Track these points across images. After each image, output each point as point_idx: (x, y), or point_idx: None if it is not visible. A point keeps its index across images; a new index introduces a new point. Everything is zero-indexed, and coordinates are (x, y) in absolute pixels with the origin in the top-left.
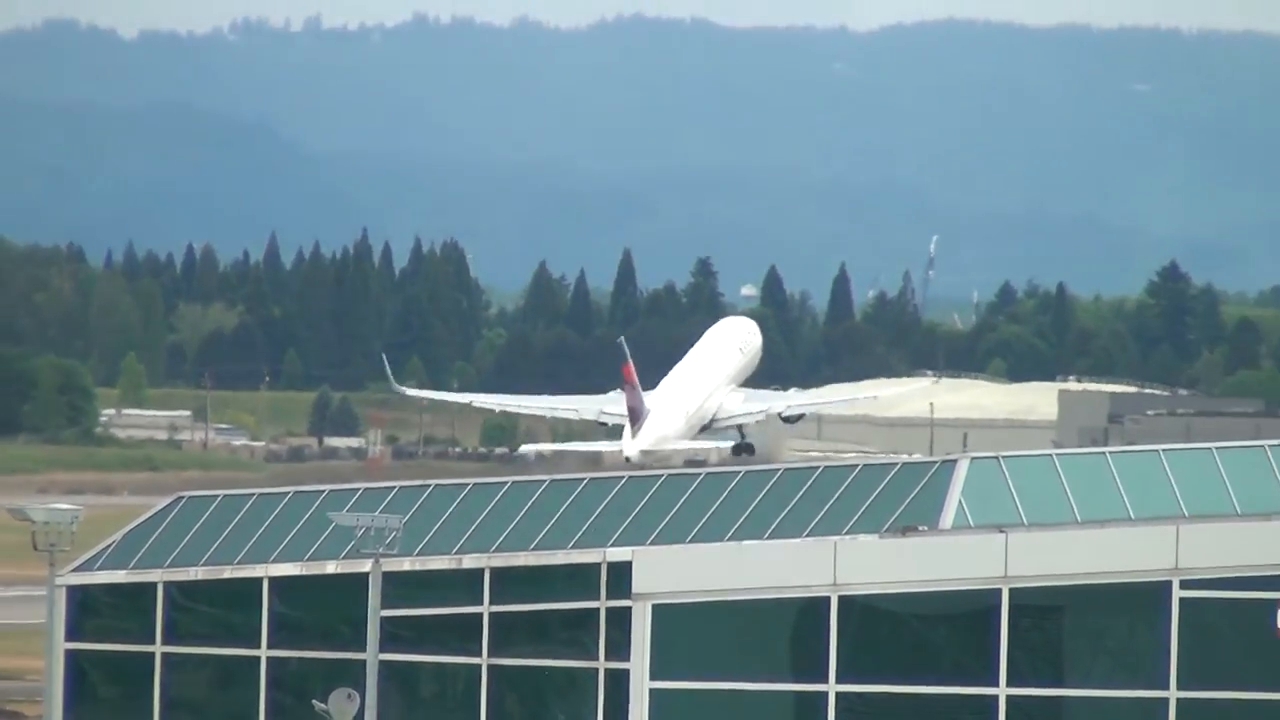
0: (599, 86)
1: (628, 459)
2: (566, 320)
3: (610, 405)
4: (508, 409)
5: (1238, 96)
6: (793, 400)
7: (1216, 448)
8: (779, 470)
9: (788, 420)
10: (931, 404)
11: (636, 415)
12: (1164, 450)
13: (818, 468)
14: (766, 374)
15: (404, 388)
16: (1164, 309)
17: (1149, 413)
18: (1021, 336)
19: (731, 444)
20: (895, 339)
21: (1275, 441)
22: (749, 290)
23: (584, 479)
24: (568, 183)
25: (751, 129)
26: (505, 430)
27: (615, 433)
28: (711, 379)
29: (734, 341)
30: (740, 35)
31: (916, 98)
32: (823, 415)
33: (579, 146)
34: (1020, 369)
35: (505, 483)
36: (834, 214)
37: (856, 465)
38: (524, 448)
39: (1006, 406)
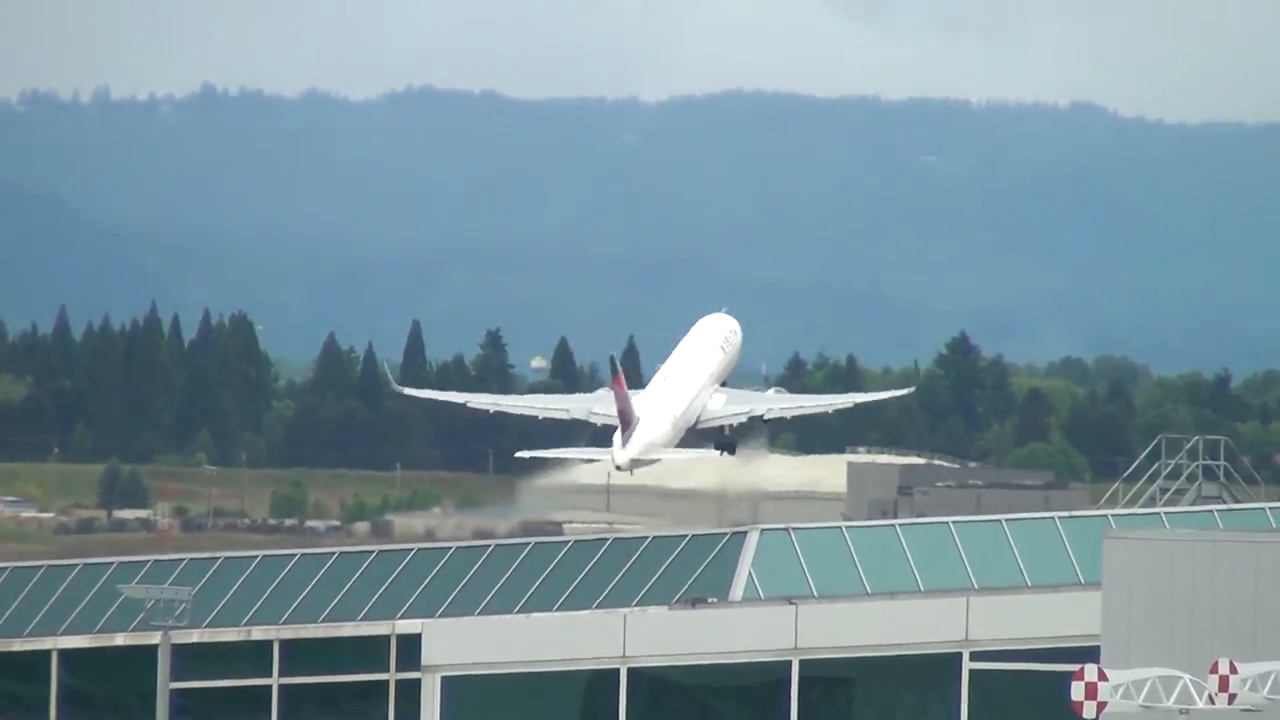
0: (389, 158)
1: (618, 467)
2: (355, 393)
3: (598, 405)
4: (502, 409)
5: (1027, 168)
6: (773, 403)
7: (1006, 520)
8: (569, 542)
9: (767, 422)
10: (721, 476)
11: (626, 421)
12: (953, 522)
13: (607, 539)
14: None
15: (404, 388)
16: (953, 380)
17: (938, 484)
18: None
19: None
20: None
21: (1065, 514)
22: (539, 362)
23: (373, 551)
24: (357, 254)
25: (542, 200)
26: (294, 502)
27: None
28: (696, 380)
29: (716, 340)
30: (530, 107)
31: (706, 168)
32: (612, 487)
33: (369, 218)
34: (809, 441)
35: (294, 555)
36: (624, 285)
37: (646, 537)
38: (519, 454)
39: (795, 478)
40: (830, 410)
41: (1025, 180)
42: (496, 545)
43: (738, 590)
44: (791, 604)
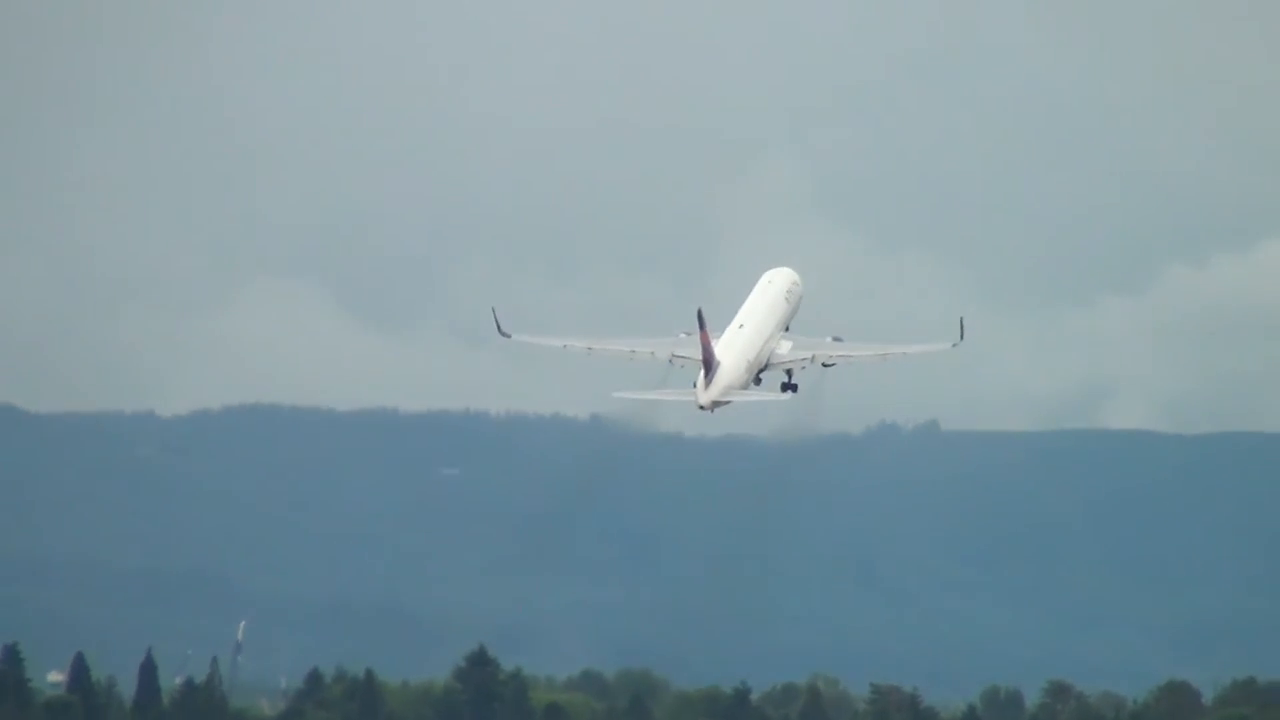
0: None
1: (701, 407)
2: None
3: (680, 348)
4: (595, 348)
5: (546, 480)
6: (833, 350)
7: None
8: None
9: (826, 366)
10: None
11: (709, 366)
12: None
13: None
14: None
15: (510, 334)
16: (472, 694)
17: None
18: None
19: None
20: None
21: None
22: (56, 676)
23: None
24: None
25: (59, 514)
26: None
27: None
28: (765, 328)
29: (781, 291)
30: (48, 420)
31: (225, 481)
32: None
33: None
34: None
35: None
36: (141, 599)
37: None
38: (616, 395)
39: None
40: (883, 359)
41: (544, 492)
42: None
43: None
44: None
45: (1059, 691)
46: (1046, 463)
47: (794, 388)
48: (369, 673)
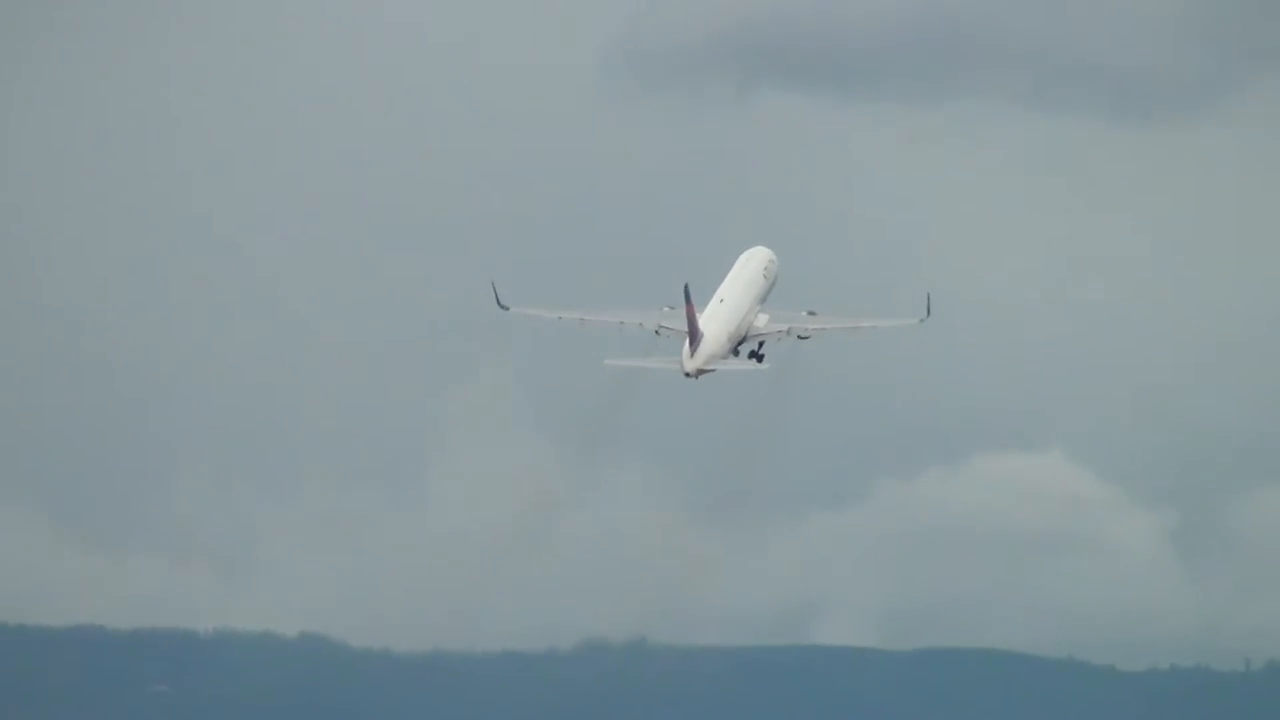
0: None
1: (687, 374)
2: None
3: (665, 320)
4: (586, 319)
5: (257, 696)
6: (807, 323)
7: None
8: None
9: (802, 338)
10: None
11: (694, 337)
12: None
13: None
14: None
15: (509, 306)
16: None
17: None
18: None
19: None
20: None
21: None
22: None
23: None
24: None
25: None
26: None
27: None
28: (745, 302)
29: (760, 268)
30: None
31: None
32: None
33: None
34: None
35: None
36: None
37: None
38: (607, 362)
39: None
40: (853, 329)
41: (252, 710)
42: None
43: None
44: None
45: None
46: (757, 678)
47: (761, 358)
48: None
